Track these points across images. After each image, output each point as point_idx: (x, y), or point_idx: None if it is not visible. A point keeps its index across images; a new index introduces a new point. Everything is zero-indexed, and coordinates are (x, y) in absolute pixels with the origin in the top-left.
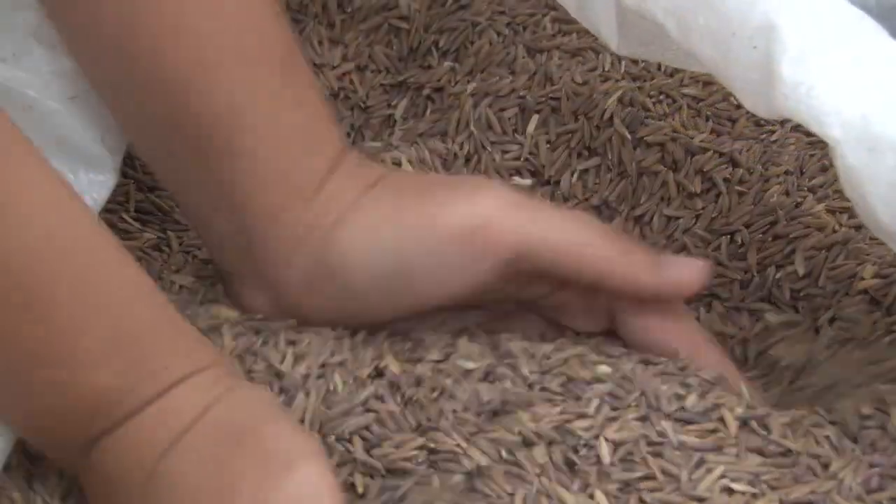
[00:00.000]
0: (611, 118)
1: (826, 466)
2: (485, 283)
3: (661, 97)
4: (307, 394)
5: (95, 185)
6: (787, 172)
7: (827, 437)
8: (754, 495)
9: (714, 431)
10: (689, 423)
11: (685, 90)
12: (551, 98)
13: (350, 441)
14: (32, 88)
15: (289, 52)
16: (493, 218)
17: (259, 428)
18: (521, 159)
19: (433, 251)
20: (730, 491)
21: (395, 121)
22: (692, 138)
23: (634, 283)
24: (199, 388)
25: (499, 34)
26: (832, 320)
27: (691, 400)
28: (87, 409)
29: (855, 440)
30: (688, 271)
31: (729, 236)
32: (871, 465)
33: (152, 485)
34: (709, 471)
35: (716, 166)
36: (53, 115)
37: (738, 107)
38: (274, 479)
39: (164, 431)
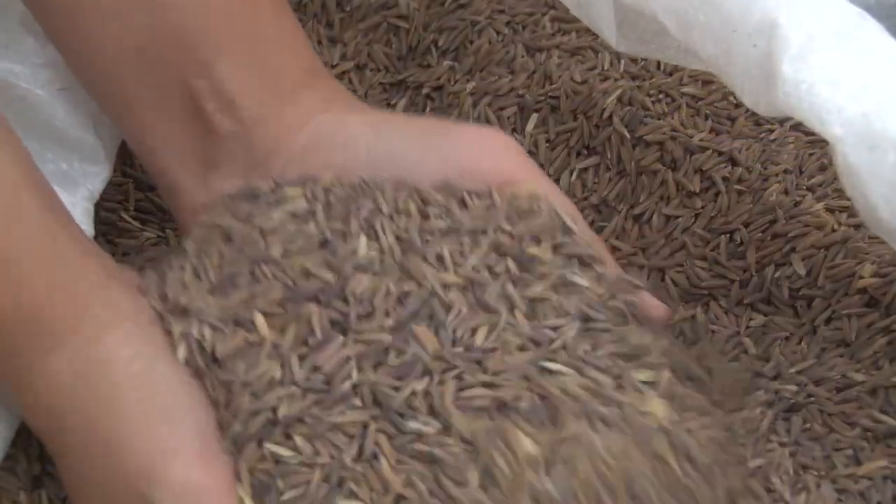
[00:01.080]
0: (610, 117)
1: None
2: None
3: (661, 96)
4: None
5: (90, 175)
6: (786, 171)
7: None
8: None
9: None
10: None
11: (684, 89)
12: (550, 97)
13: None
14: (23, 79)
15: None
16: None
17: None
18: None
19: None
20: None
21: None
22: (691, 137)
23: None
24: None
25: (498, 33)
26: (828, 320)
27: None
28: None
29: None
30: None
31: (728, 235)
32: None
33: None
34: None
35: (715, 165)
36: (44, 105)
37: (738, 105)
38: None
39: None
